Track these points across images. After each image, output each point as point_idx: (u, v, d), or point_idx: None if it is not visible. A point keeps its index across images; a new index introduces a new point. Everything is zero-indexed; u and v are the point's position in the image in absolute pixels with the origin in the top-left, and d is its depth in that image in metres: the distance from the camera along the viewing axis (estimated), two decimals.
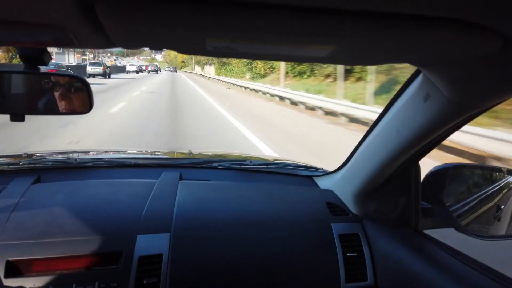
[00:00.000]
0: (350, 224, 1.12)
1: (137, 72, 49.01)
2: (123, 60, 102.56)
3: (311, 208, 1.17)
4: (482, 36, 0.43)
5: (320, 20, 0.39)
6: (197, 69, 65.19)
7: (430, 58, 0.57)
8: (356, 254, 1.06)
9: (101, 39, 0.46)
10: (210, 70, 48.36)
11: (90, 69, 28.07)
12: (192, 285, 0.94)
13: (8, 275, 0.85)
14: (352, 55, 0.53)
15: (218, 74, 40.09)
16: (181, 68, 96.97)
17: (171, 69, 73.31)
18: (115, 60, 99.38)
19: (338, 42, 0.46)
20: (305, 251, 1.05)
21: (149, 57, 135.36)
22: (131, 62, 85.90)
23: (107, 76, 29.46)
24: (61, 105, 0.87)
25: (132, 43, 0.48)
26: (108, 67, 32.39)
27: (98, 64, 29.46)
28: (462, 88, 0.64)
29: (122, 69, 51.67)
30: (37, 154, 1.48)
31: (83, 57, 52.05)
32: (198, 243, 1.00)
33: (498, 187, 1.10)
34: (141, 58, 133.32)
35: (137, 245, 0.94)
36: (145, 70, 57.60)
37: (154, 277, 0.91)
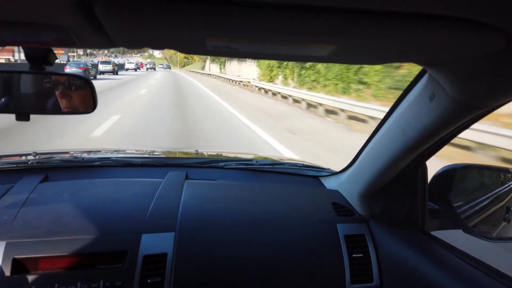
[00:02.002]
0: (356, 225, 1.11)
1: (135, 70, 51.49)
2: (122, 58, 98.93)
3: (317, 209, 1.17)
4: (485, 35, 0.42)
5: (322, 19, 0.39)
6: (213, 68, 43.15)
7: (434, 57, 0.57)
8: (361, 255, 1.05)
9: (102, 39, 0.46)
10: (242, 70, 27.22)
11: (101, 67, 32.63)
12: (196, 284, 0.95)
13: (14, 272, 0.86)
14: (354, 54, 0.53)
15: (269, 80, 19.73)
16: (183, 66, 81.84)
17: (164, 66, 74.20)
18: (114, 57, 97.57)
19: (340, 41, 0.45)
20: (311, 251, 1.05)
21: (146, 54, 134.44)
22: (129, 60, 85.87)
23: (115, 73, 33.81)
24: (66, 104, 0.88)
25: (133, 43, 0.49)
26: (116, 65, 37.00)
27: (108, 63, 33.99)
28: (467, 88, 0.64)
29: (121, 67, 52.35)
30: (46, 153, 1.50)
31: (70, 53, 52.29)
32: (203, 242, 1.00)
33: (508, 188, 1.08)
34: (138, 55, 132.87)
35: (142, 244, 0.95)
36: (140, 68, 60.30)
37: (158, 276, 0.92)
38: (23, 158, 1.39)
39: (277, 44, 0.46)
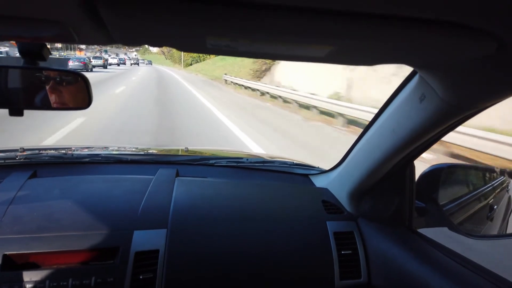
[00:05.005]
0: (345, 222, 1.13)
1: (118, 65, 53.59)
2: (110, 54, 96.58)
3: (307, 206, 1.18)
4: (476, 39, 0.43)
5: (319, 21, 0.40)
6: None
7: (426, 59, 0.58)
8: (350, 252, 1.07)
9: (101, 36, 0.46)
10: None
11: (93, 62, 36.45)
12: (188, 280, 0.95)
13: (4, 268, 0.85)
14: (350, 56, 0.54)
15: None
16: (190, 65, 50.99)
17: (146, 62, 76.50)
18: (105, 53, 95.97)
19: (336, 43, 0.46)
20: (300, 248, 1.06)
21: (140, 49, 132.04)
22: (119, 55, 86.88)
23: (105, 67, 38.14)
24: (60, 100, 0.88)
25: (133, 40, 0.49)
26: (106, 60, 41.66)
27: (100, 58, 38.78)
28: (457, 90, 0.65)
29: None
30: (34, 149, 1.48)
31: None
32: (194, 239, 1.00)
33: (491, 187, 1.11)
34: (134, 50, 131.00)
35: (134, 241, 0.95)
36: (125, 63, 62.71)
37: (150, 272, 0.92)
38: (10, 154, 1.37)
39: (276, 44, 0.47)
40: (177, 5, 0.38)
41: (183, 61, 56.64)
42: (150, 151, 1.77)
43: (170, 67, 59.20)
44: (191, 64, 51.60)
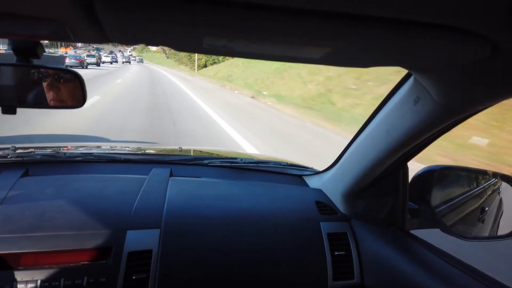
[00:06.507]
0: (338, 223, 1.14)
1: (111, 63, 54.55)
2: (103, 54, 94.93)
3: (301, 207, 1.19)
4: (472, 43, 0.44)
5: (315, 22, 0.40)
6: None
7: (421, 62, 0.58)
8: (343, 252, 1.08)
9: (97, 34, 0.46)
10: None
11: (87, 60, 37.73)
12: (181, 281, 0.95)
13: None
14: (346, 58, 0.54)
15: None
16: (204, 66, 36.77)
17: (137, 60, 77.57)
18: (96, 51, 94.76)
19: (332, 45, 0.46)
20: (294, 248, 1.06)
21: (138, 46, 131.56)
22: (106, 54, 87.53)
23: (98, 65, 39.60)
24: (53, 98, 0.87)
25: (129, 39, 0.49)
26: (99, 58, 43.07)
27: (93, 56, 40.45)
28: (452, 92, 0.66)
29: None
30: (25, 147, 1.47)
31: None
32: (188, 239, 1.00)
33: (483, 189, 1.12)
34: (131, 47, 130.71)
35: (127, 241, 0.94)
36: (116, 61, 63.62)
37: (143, 272, 0.91)
38: (1, 152, 1.35)
39: (273, 45, 0.47)
40: (174, 5, 0.38)
41: (197, 62, 38.07)
42: (144, 151, 1.76)
43: (174, 69, 43.22)
44: (205, 66, 37.38)
